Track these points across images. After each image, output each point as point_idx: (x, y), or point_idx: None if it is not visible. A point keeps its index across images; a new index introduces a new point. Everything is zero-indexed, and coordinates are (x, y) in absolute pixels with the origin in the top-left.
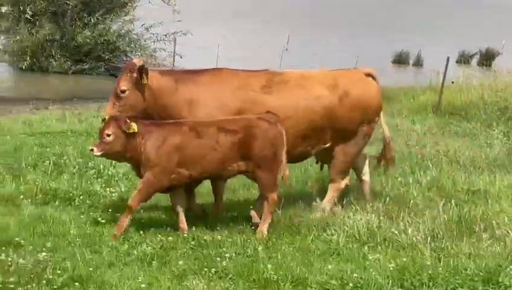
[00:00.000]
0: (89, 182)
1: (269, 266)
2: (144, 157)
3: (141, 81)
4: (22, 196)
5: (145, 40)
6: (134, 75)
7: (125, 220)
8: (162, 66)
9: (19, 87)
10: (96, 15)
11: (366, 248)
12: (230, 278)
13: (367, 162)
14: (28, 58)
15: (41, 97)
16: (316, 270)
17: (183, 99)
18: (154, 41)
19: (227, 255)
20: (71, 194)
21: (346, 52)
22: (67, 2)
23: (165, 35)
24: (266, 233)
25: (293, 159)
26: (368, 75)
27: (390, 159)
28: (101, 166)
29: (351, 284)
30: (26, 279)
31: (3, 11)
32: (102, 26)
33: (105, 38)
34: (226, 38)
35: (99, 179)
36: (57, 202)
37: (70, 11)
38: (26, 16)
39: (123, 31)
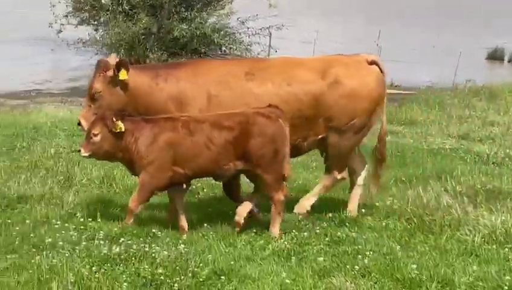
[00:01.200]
0: None
1: (413, 266)
2: (136, 156)
3: (118, 77)
4: None
5: (240, 34)
6: (108, 73)
7: (128, 223)
8: None
9: None
10: (194, 9)
11: (506, 249)
12: (373, 277)
13: (366, 167)
14: (125, 50)
15: None
16: (460, 271)
17: (167, 96)
18: (249, 36)
19: (366, 253)
20: (193, 187)
21: (438, 47)
22: None
23: (260, 29)
24: (277, 235)
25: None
26: (372, 62)
27: (381, 157)
28: None
29: (505, 288)
30: (171, 271)
31: (103, 2)
32: (198, 19)
33: (202, 31)
34: (322, 33)
35: None
36: None
37: (168, 4)
38: (125, 8)
39: (219, 25)
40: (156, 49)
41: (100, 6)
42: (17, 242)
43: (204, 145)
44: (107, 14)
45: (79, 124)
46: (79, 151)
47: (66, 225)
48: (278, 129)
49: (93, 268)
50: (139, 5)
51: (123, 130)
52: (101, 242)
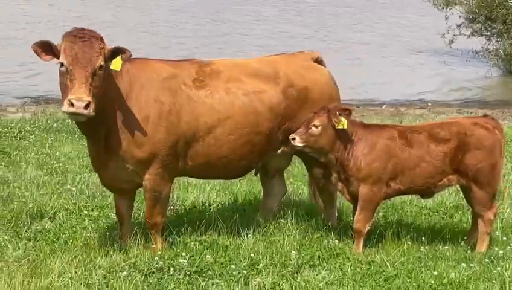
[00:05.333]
0: None
1: None
2: (352, 165)
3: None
4: None
5: None
6: (107, 49)
7: (359, 246)
8: None
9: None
10: None
11: None
12: None
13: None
14: None
15: None
16: None
17: (117, 91)
18: None
19: None
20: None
21: None
22: None
23: None
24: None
25: (237, 174)
26: (317, 60)
27: None
28: None
29: None
30: None
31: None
32: None
33: None
34: None
35: None
36: None
37: None
38: None
39: None
40: None
41: (495, 16)
42: (468, 251)
43: (421, 158)
44: (502, 25)
45: (87, 106)
46: (293, 139)
47: (505, 238)
48: (496, 141)
49: None
50: None
51: (345, 127)
52: None
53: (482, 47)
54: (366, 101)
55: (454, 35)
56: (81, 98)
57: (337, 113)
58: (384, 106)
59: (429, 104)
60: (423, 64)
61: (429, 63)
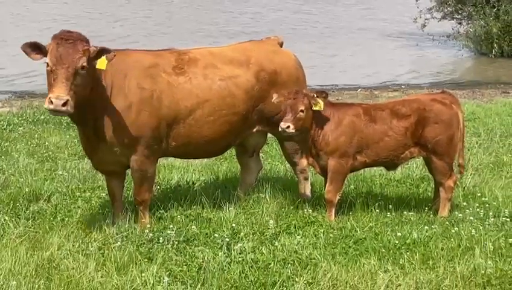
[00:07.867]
0: None
1: None
2: (321, 140)
3: (96, 64)
4: None
5: None
6: (91, 50)
7: (331, 214)
8: None
9: (484, 72)
10: None
11: None
12: None
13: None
14: (495, 43)
15: (508, 82)
16: None
17: (106, 85)
18: None
19: None
20: None
21: None
22: None
23: None
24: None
25: (217, 152)
26: (281, 44)
27: None
28: None
29: None
30: None
31: None
32: None
33: None
34: None
35: None
36: None
37: None
38: (492, 1)
39: None
40: None
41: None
42: (431, 216)
43: (384, 133)
44: (472, 8)
45: (65, 103)
46: (287, 127)
47: (465, 203)
48: (453, 115)
49: (510, 240)
50: None
51: (322, 108)
52: (507, 219)
53: (453, 29)
54: (341, 85)
55: (426, 19)
56: (59, 97)
57: (315, 95)
58: (359, 89)
59: (402, 86)
60: (397, 48)
61: (403, 47)
